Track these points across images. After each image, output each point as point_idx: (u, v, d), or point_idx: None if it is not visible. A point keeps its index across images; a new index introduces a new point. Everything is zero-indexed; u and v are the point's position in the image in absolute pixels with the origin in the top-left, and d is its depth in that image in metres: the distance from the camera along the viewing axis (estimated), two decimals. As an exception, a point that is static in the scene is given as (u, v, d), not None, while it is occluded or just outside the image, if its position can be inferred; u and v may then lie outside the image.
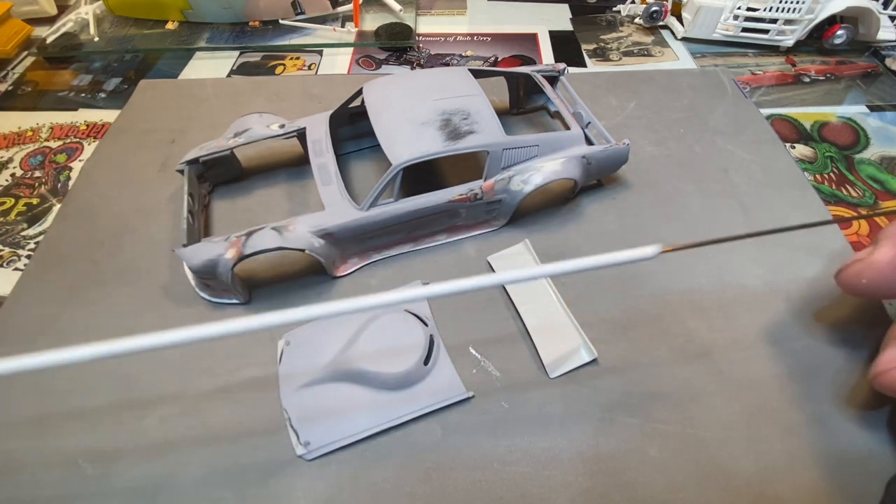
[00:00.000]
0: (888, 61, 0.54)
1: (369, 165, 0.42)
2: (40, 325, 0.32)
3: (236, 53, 0.56)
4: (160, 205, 0.39)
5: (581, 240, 0.36)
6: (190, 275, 0.34)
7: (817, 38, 0.54)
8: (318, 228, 0.31)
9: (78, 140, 0.46)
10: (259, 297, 0.33)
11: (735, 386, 0.29)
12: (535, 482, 0.26)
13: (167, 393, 0.29)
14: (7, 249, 0.37)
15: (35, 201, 0.41)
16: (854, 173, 0.42)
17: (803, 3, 0.50)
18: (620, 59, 0.55)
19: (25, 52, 0.57)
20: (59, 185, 0.42)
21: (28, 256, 0.37)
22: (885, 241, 0.25)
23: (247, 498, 0.26)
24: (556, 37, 0.59)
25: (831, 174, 0.42)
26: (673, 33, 0.58)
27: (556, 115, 0.46)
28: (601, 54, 0.56)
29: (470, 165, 0.39)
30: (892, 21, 0.55)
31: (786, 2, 0.51)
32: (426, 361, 0.29)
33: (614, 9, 0.63)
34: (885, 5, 0.55)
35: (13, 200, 0.41)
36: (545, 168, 0.34)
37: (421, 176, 0.37)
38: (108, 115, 0.48)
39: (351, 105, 0.39)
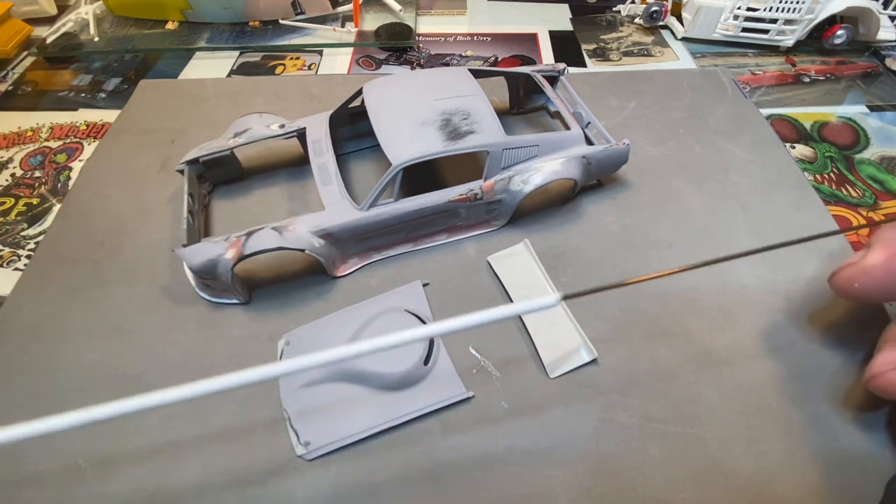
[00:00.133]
0: (888, 61, 0.54)
1: (369, 165, 0.42)
2: (40, 325, 0.32)
3: (236, 53, 0.56)
4: (160, 205, 0.39)
5: (581, 240, 0.36)
6: (190, 275, 0.34)
7: (817, 38, 0.54)
8: (318, 228, 0.31)
9: (78, 140, 0.46)
10: (259, 297, 0.33)
11: (735, 386, 0.29)
12: (535, 482, 0.26)
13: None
14: (7, 249, 0.37)
15: (35, 201, 0.41)
16: (854, 173, 0.42)
17: (803, 3, 0.50)
18: (620, 59, 0.55)
19: (25, 52, 0.57)
20: (59, 185, 0.42)
21: (28, 256, 0.37)
22: (878, 245, 0.25)
23: (247, 498, 0.26)
24: (556, 37, 0.59)
25: (831, 174, 0.42)
26: (673, 33, 0.58)
27: (556, 115, 0.46)
28: (601, 54, 0.56)
29: (470, 165, 0.39)
30: (892, 21, 0.55)
31: (786, 2, 0.51)
32: (426, 361, 0.29)
33: (614, 9, 0.63)
34: (885, 5, 0.55)
35: (13, 200, 0.41)
36: (545, 168, 0.34)
37: (421, 176, 0.37)
38: (108, 115, 0.48)
39: (351, 105, 0.39)
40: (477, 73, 0.38)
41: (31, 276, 0.35)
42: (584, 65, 0.54)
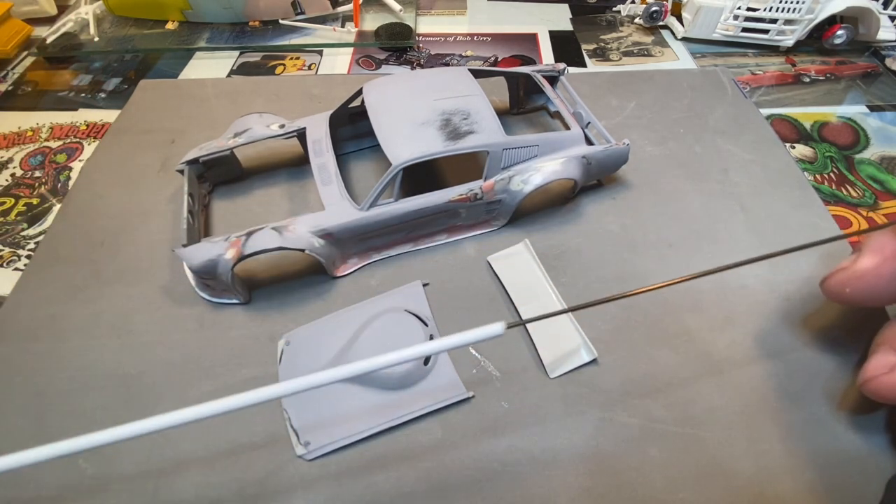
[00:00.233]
0: (888, 61, 0.54)
1: (369, 165, 0.42)
2: (40, 325, 0.32)
3: (236, 53, 0.56)
4: (160, 205, 0.39)
5: (581, 240, 0.36)
6: (190, 275, 0.34)
7: (817, 38, 0.54)
8: (318, 228, 0.31)
9: (78, 140, 0.46)
10: (259, 297, 0.33)
11: (735, 386, 0.29)
12: (535, 482, 0.26)
13: (167, 393, 0.29)
14: (7, 249, 0.37)
15: (35, 201, 0.41)
16: (854, 173, 0.42)
17: (803, 3, 0.50)
18: (620, 59, 0.55)
19: (25, 52, 0.57)
20: (59, 185, 0.42)
21: (28, 256, 0.37)
22: (868, 250, 0.25)
23: (247, 498, 0.26)
24: (556, 37, 0.59)
25: (831, 174, 0.42)
26: (673, 33, 0.58)
27: (556, 115, 0.46)
28: (601, 54, 0.56)
29: (470, 165, 0.39)
30: (892, 21, 0.55)
31: (786, 2, 0.51)
32: (426, 361, 0.29)
33: (614, 9, 0.63)
34: (885, 5, 0.55)
35: (13, 200, 0.41)
36: (545, 168, 0.34)
37: (421, 176, 0.37)
38: (108, 115, 0.48)
39: (351, 105, 0.39)
40: (477, 73, 0.38)
41: (31, 276, 0.35)
42: (584, 65, 0.54)
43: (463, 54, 0.56)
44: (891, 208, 0.40)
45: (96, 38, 0.57)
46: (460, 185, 0.34)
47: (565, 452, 0.27)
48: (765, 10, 0.52)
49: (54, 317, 0.32)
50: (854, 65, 0.54)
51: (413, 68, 0.54)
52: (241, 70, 0.54)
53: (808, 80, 0.52)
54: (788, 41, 0.54)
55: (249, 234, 0.30)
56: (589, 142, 0.37)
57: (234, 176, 0.40)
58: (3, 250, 0.37)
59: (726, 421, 0.28)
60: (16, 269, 0.36)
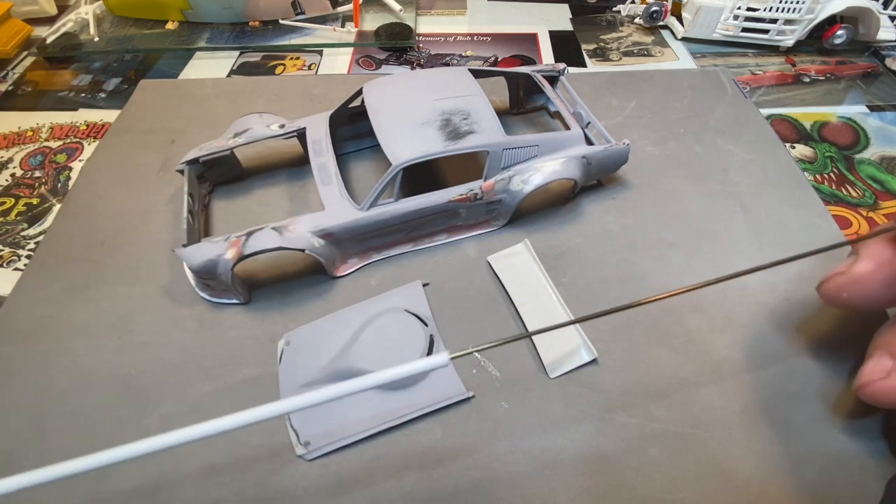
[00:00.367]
0: (888, 61, 0.54)
1: (369, 165, 0.42)
2: (40, 325, 0.32)
3: (236, 53, 0.56)
4: (160, 205, 0.39)
5: (581, 240, 0.36)
6: (190, 275, 0.34)
7: (817, 38, 0.54)
8: (318, 228, 0.31)
9: (78, 140, 0.46)
10: (259, 296, 0.33)
11: (735, 386, 0.29)
12: (535, 482, 0.26)
13: (167, 393, 0.29)
14: (7, 249, 0.37)
15: (35, 201, 0.41)
16: (854, 173, 0.42)
17: (803, 3, 0.50)
18: (620, 59, 0.55)
19: (25, 52, 0.57)
20: (59, 185, 0.42)
21: (28, 256, 0.37)
22: (865, 255, 0.25)
23: (247, 498, 0.26)
24: (556, 37, 0.59)
25: (831, 174, 0.42)
26: (673, 33, 0.58)
27: (556, 115, 0.46)
28: (601, 54, 0.56)
29: (470, 165, 0.39)
30: (892, 21, 0.55)
31: (786, 2, 0.51)
32: (426, 361, 0.29)
33: (614, 9, 0.63)
34: (885, 5, 0.55)
35: (13, 200, 0.41)
36: (545, 168, 0.34)
37: (421, 176, 0.37)
38: (108, 115, 0.48)
39: (351, 105, 0.39)
40: (477, 73, 0.38)
41: (31, 276, 0.35)
42: (584, 65, 0.54)
43: (463, 54, 0.56)
44: (891, 208, 0.40)
45: (96, 38, 0.57)
46: (460, 185, 0.34)
47: (565, 452, 0.27)
48: (765, 10, 0.52)
49: (54, 317, 0.32)
50: (854, 65, 0.54)
51: (413, 68, 0.54)
52: (241, 70, 0.54)
53: (808, 80, 0.52)
54: (788, 41, 0.54)
55: (249, 234, 0.31)
56: (589, 142, 0.37)
57: (234, 176, 0.40)
58: (3, 250, 0.37)
59: (726, 421, 0.28)
60: (16, 269, 0.36)
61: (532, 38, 0.58)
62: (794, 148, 0.45)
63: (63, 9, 0.63)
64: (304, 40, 0.57)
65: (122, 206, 0.39)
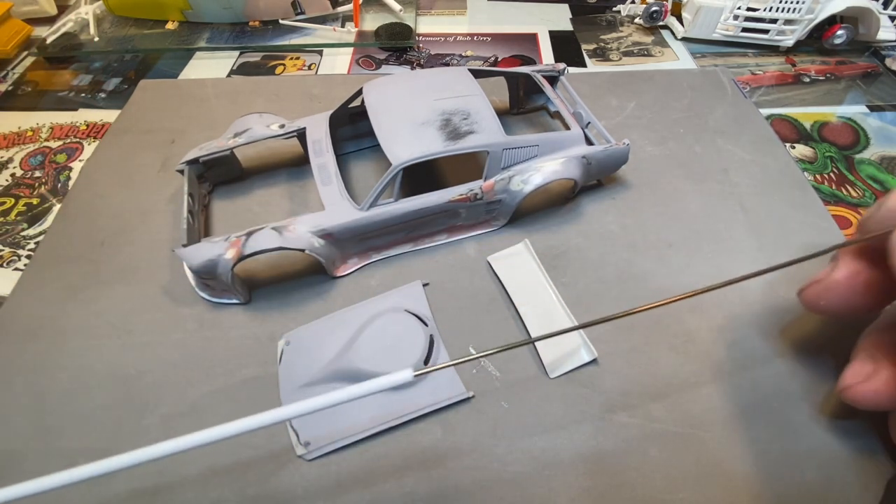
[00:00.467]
0: (888, 61, 0.54)
1: (369, 165, 0.42)
2: (40, 325, 0.32)
3: (236, 53, 0.56)
4: (160, 205, 0.39)
5: (581, 240, 0.36)
6: (190, 275, 0.34)
7: (817, 38, 0.54)
8: (318, 228, 0.31)
9: (78, 140, 0.46)
10: (259, 297, 0.33)
11: (735, 385, 0.29)
12: (535, 482, 0.26)
13: (167, 393, 0.29)
14: (7, 249, 0.37)
15: (35, 201, 0.41)
16: (854, 173, 0.42)
17: (803, 3, 0.50)
18: (620, 59, 0.55)
19: (25, 52, 0.57)
20: (59, 185, 0.42)
21: (28, 256, 0.37)
22: (842, 263, 0.25)
23: (247, 498, 0.26)
24: (556, 37, 0.59)
25: (831, 174, 0.42)
26: (673, 33, 0.58)
27: (556, 115, 0.46)
28: (601, 54, 0.56)
29: (470, 165, 0.39)
30: (892, 21, 0.55)
31: (786, 2, 0.51)
32: (426, 361, 0.29)
33: (614, 9, 0.63)
34: (885, 5, 0.55)
35: (13, 200, 0.41)
36: (545, 168, 0.34)
37: (421, 176, 0.37)
38: (108, 115, 0.48)
39: (351, 105, 0.39)
40: (477, 73, 0.38)
41: (31, 276, 0.35)
42: (584, 65, 0.54)
43: (463, 54, 0.56)
44: (891, 208, 0.40)
45: (96, 38, 0.57)
46: (460, 185, 0.34)
47: (565, 452, 0.27)
48: (765, 10, 0.52)
49: (54, 317, 0.32)
50: (854, 65, 0.54)
51: (413, 68, 0.54)
52: (241, 70, 0.54)
53: (808, 80, 0.52)
54: (788, 41, 0.54)
55: (249, 234, 0.31)
56: (589, 142, 0.37)
57: (234, 176, 0.40)
58: (3, 250, 0.37)
59: (726, 421, 0.28)
60: (16, 269, 0.36)
61: (532, 38, 0.58)
62: (794, 148, 0.45)
63: (63, 9, 0.63)
64: (304, 40, 0.57)
65: (122, 206, 0.39)
